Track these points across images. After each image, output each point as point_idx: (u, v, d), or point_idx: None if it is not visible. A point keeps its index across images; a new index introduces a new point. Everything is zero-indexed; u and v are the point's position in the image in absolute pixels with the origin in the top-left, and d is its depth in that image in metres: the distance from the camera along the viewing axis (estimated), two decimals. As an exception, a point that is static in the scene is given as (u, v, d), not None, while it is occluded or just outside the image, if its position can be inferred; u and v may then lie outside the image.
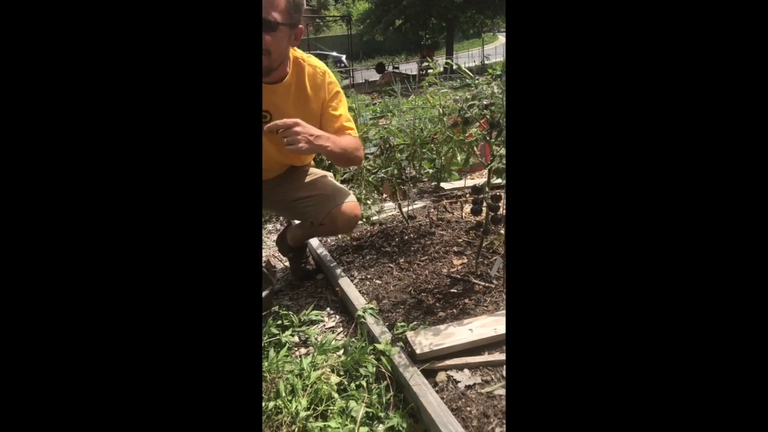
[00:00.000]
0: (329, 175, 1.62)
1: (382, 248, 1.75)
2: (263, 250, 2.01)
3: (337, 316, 1.41)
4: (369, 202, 1.98)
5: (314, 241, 1.86)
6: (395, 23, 19.22)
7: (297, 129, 1.17)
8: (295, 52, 1.34)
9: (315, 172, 1.60)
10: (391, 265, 1.60)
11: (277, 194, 1.53)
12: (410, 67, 13.16)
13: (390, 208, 2.17)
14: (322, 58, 12.27)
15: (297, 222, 1.69)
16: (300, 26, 1.23)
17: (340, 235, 1.97)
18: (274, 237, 2.10)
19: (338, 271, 1.57)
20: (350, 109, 2.83)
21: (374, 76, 11.07)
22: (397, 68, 12.40)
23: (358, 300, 1.35)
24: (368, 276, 1.56)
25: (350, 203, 1.50)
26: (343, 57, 13.97)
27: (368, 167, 2.05)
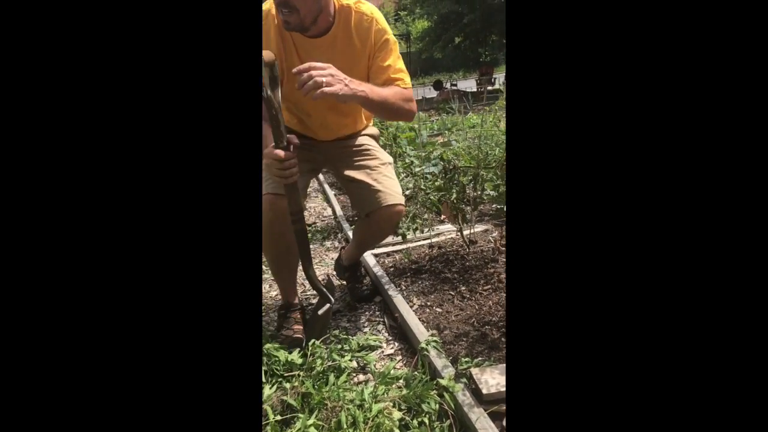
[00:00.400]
0: (389, 163, 1.45)
1: (441, 273, 1.71)
2: (323, 268, 2.02)
3: (396, 343, 1.38)
4: (425, 221, 1.94)
5: (370, 260, 1.85)
6: (454, 41, 19.27)
7: (313, 72, 0.98)
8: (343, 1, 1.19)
9: (372, 153, 1.43)
10: (452, 292, 1.55)
11: (332, 159, 1.44)
12: (469, 84, 13.07)
13: (449, 230, 2.12)
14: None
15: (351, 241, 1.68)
16: None
17: (398, 257, 1.95)
18: (334, 255, 2.12)
19: (397, 296, 1.54)
20: (410, 128, 2.83)
21: (432, 93, 11.10)
22: (455, 85, 12.35)
23: (418, 329, 1.31)
24: (428, 303, 1.52)
25: (394, 209, 1.34)
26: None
27: (425, 188, 2.02)
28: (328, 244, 2.36)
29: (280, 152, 1.05)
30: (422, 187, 2.00)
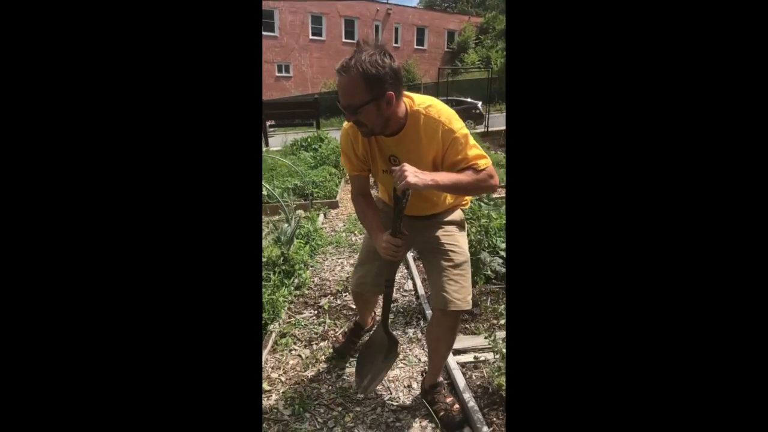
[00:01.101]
0: (463, 262, 1.58)
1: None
2: (407, 368, 2.00)
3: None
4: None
5: (460, 381, 1.79)
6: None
7: (395, 168, 1.34)
8: (415, 104, 1.45)
9: (447, 248, 1.59)
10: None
11: (414, 239, 1.66)
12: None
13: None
14: (456, 104, 12.36)
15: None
16: (389, 92, 1.33)
17: (486, 371, 1.88)
18: (417, 350, 2.09)
19: (490, 437, 1.48)
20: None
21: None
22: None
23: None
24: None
25: (451, 314, 1.53)
26: (479, 104, 13.96)
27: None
28: (410, 332, 2.33)
29: (397, 240, 1.45)
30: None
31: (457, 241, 1.60)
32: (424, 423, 1.67)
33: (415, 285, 2.82)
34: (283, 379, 1.99)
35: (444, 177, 1.37)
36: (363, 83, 1.30)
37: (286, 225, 3.13)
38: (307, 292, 2.85)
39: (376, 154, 1.55)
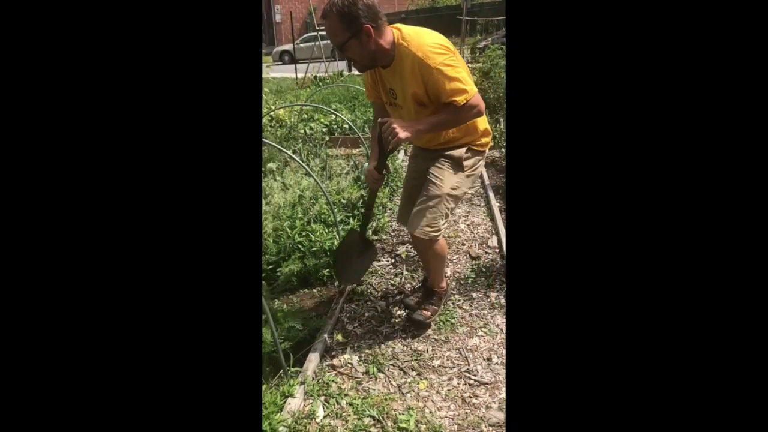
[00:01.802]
0: (444, 195, 1.68)
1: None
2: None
3: None
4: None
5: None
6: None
7: (388, 126, 1.47)
8: (400, 37, 1.52)
9: (433, 181, 1.70)
10: None
11: (424, 163, 1.80)
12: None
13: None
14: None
15: None
16: (365, 26, 1.44)
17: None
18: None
19: None
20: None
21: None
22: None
23: None
24: None
25: (417, 239, 1.72)
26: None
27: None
28: (492, 297, 2.18)
29: (376, 174, 1.72)
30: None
31: (442, 175, 1.70)
32: (504, 402, 1.56)
33: (500, 241, 2.61)
34: (358, 332, 1.97)
35: (424, 123, 1.54)
36: (340, 23, 1.44)
37: (367, 163, 2.99)
38: (384, 237, 2.77)
39: (380, 86, 1.70)
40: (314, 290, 2.24)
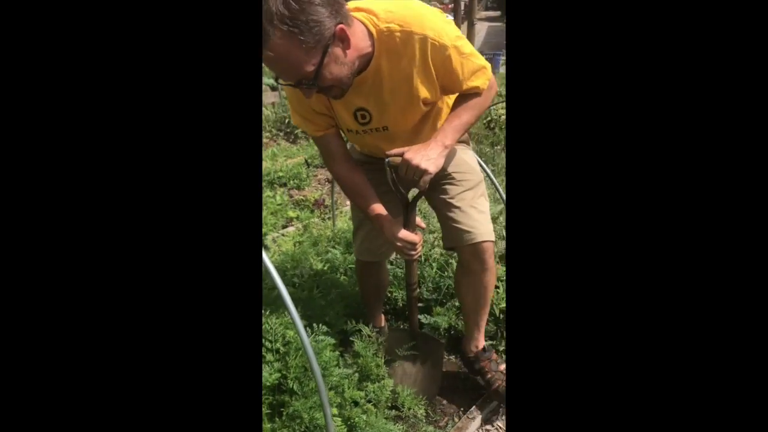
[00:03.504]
0: (474, 185, 1.25)
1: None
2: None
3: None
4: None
5: None
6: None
7: (407, 164, 1.03)
8: (380, 20, 0.97)
9: (454, 176, 1.24)
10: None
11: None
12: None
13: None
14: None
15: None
16: (339, 26, 0.89)
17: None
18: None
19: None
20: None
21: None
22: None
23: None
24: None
25: (478, 246, 1.19)
26: None
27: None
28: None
29: (415, 237, 1.14)
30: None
31: (462, 161, 1.24)
32: None
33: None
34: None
35: (448, 133, 1.07)
36: (300, 44, 0.86)
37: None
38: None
39: (338, 108, 1.10)
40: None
